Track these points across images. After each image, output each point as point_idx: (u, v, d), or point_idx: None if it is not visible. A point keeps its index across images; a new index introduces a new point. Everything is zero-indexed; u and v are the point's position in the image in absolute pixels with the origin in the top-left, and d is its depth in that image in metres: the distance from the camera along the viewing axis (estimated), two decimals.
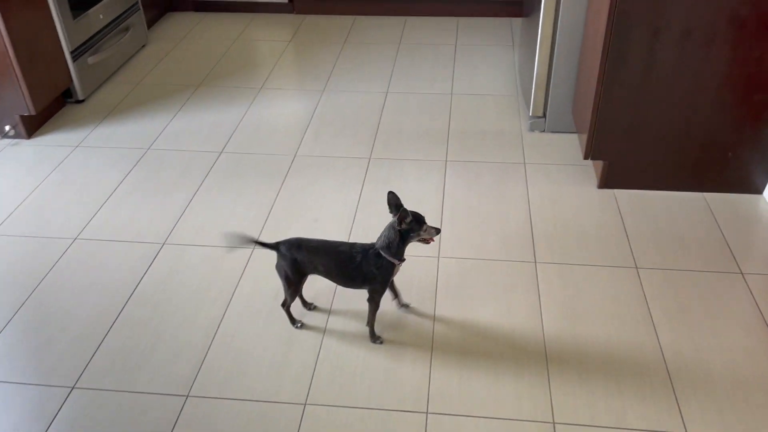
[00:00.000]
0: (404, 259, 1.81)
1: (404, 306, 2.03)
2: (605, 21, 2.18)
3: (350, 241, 1.91)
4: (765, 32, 2.15)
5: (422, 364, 1.86)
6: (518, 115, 3.08)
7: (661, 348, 1.88)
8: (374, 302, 1.89)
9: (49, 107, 3.17)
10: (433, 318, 2.01)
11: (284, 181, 2.66)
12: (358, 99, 3.28)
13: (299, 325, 1.98)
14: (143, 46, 3.90)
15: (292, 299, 1.94)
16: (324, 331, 1.97)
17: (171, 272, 2.22)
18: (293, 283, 1.88)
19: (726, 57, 2.20)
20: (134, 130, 3.07)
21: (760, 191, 2.48)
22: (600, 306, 2.02)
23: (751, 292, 2.06)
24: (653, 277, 2.13)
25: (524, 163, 2.73)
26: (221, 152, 2.88)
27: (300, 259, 1.83)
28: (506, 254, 2.24)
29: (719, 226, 2.33)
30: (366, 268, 1.80)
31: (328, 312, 2.04)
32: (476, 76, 3.47)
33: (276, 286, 2.12)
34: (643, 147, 2.42)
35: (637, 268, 2.16)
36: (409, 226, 1.76)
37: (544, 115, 2.90)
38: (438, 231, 1.80)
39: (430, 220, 2.37)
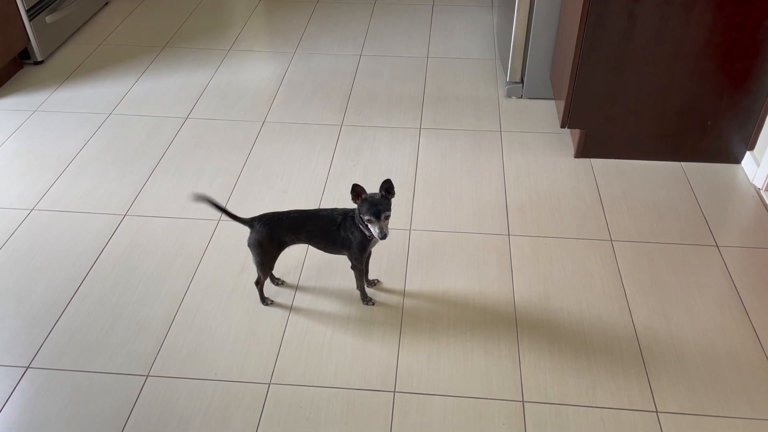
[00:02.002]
0: (375, 237, 1.70)
1: (372, 283, 1.97)
2: None
3: None
4: None
5: (391, 341, 1.81)
6: (495, 81, 2.99)
7: (633, 323, 1.85)
8: (356, 269, 1.85)
9: (5, 69, 3.01)
10: (403, 293, 1.95)
11: (252, 149, 2.57)
12: (330, 62, 3.16)
13: (270, 302, 1.92)
14: (106, 3, 3.71)
15: (266, 276, 1.88)
16: (290, 308, 1.91)
17: (132, 245, 2.14)
18: (269, 259, 1.82)
19: (707, 23, 2.12)
20: (96, 94, 2.93)
21: (738, 161, 2.44)
22: (573, 280, 1.98)
23: (725, 265, 2.03)
24: (628, 250, 2.09)
25: (500, 131, 2.65)
26: (186, 118, 2.76)
27: (280, 232, 1.77)
28: (479, 227, 2.18)
29: (696, 197, 2.29)
30: (344, 231, 1.75)
31: (295, 288, 1.97)
32: (453, 38, 3.36)
33: (241, 262, 2.05)
34: (621, 115, 2.36)
35: (611, 240, 2.12)
36: (359, 205, 1.68)
37: (522, 81, 2.81)
38: (382, 235, 1.64)
39: (403, 191, 2.31)
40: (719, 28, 2.13)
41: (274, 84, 2.99)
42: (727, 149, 2.41)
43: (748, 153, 2.41)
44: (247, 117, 2.76)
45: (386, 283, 1.99)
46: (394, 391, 1.68)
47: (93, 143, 2.62)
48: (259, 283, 1.89)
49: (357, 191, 1.67)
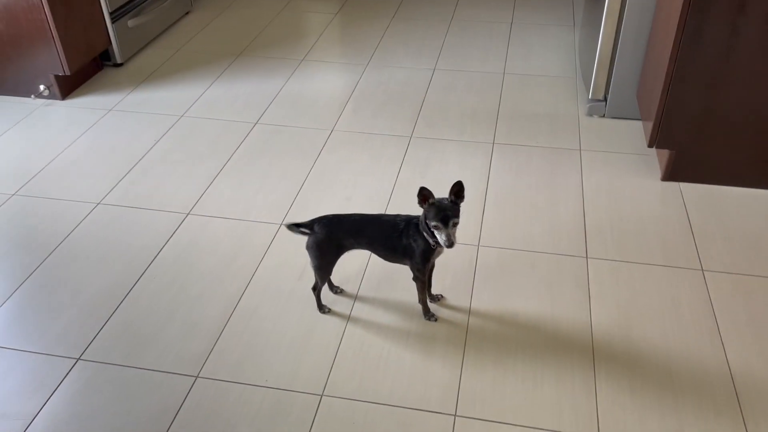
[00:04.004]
0: (441, 246, 1.58)
1: (435, 298, 1.85)
2: None
3: None
4: None
5: (453, 360, 1.68)
6: (576, 99, 2.84)
7: (728, 362, 1.65)
8: (418, 280, 1.74)
9: (86, 69, 3.08)
10: (468, 311, 1.82)
11: (318, 156, 2.50)
12: (402, 75, 3.09)
13: (327, 310, 1.83)
14: (187, 13, 3.78)
15: (324, 281, 1.79)
16: (348, 318, 1.81)
17: (193, 244, 2.09)
18: (327, 263, 1.73)
19: None
20: (170, 97, 2.95)
21: None
22: (658, 310, 1.80)
23: None
24: (721, 281, 1.89)
25: (580, 149, 2.50)
26: (256, 123, 2.74)
27: (339, 235, 1.68)
28: (554, 247, 2.03)
29: None
30: (406, 239, 1.64)
31: (354, 298, 1.87)
32: (532, 56, 3.24)
33: (301, 266, 1.97)
34: (717, 136, 2.17)
35: (702, 270, 1.93)
36: (426, 210, 1.57)
37: (605, 99, 2.65)
38: (449, 243, 1.53)
39: (472, 205, 2.18)
40: None
41: (345, 94, 2.94)
42: None
43: None
44: (315, 125, 2.71)
45: (450, 299, 1.86)
46: (455, 415, 1.54)
47: (162, 143, 2.62)
48: (316, 289, 1.80)
49: (424, 195, 1.56)
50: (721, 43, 1.99)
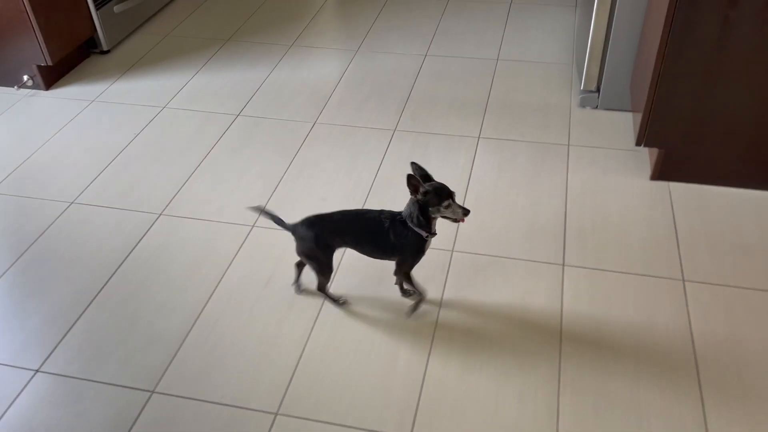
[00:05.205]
0: (435, 233, 1.63)
1: (408, 292, 1.83)
2: None
3: None
4: None
5: (414, 379, 1.62)
6: (569, 88, 2.72)
7: (700, 384, 1.57)
8: (405, 274, 1.72)
9: (72, 57, 3.03)
10: (435, 324, 1.76)
11: (298, 152, 2.43)
12: (392, 61, 2.98)
13: (343, 301, 1.81)
14: None
15: (327, 279, 1.76)
16: (311, 329, 1.76)
17: (162, 247, 2.05)
18: (326, 262, 1.71)
19: None
20: (154, 86, 2.90)
21: None
22: (632, 326, 1.72)
23: None
24: (703, 293, 1.80)
25: (568, 144, 2.39)
26: (238, 115, 2.67)
27: (325, 234, 1.66)
28: (530, 253, 1.95)
29: None
30: (394, 237, 1.61)
31: (320, 306, 1.82)
32: (528, 39, 3.10)
33: (269, 274, 1.92)
34: (708, 134, 2.05)
35: (684, 280, 1.83)
36: (425, 198, 1.55)
37: (598, 90, 2.53)
38: (466, 212, 1.57)
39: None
40: None
41: (332, 83, 2.85)
42: None
43: None
44: (298, 117, 2.64)
45: (416, 311, 1.80)
46: None
47: (142, 137, 2.57)
48: (321, 288, 1.78)
49: (415, 184, 1.54)
50: (712, 37, 1.86)
